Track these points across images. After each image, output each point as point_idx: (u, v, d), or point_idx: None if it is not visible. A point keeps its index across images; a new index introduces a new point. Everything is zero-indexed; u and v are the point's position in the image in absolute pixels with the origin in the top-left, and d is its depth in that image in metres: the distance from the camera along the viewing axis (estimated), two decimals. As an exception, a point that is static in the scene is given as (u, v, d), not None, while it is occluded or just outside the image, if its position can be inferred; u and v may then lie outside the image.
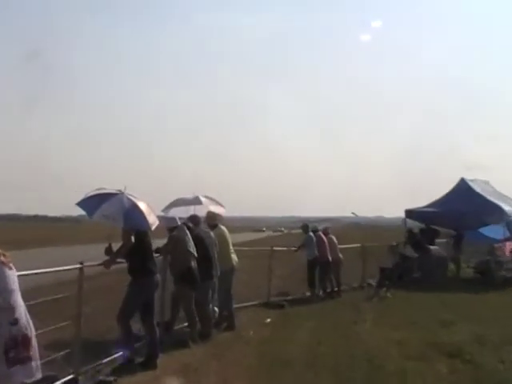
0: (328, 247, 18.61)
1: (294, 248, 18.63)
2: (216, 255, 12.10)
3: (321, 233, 18.89)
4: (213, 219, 12.87)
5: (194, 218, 12.06)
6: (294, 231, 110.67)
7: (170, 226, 11.00)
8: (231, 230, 13.90)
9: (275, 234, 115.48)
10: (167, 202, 13.36)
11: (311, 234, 18.35)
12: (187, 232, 11.00)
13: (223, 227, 13.04)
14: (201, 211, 13.01)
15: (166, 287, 10.90)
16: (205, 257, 11.49)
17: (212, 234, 12.36)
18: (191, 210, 12.91)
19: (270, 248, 17.64)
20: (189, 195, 13.65)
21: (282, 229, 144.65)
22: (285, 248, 19.76)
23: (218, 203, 13.66)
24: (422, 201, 26.18)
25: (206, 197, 13.66)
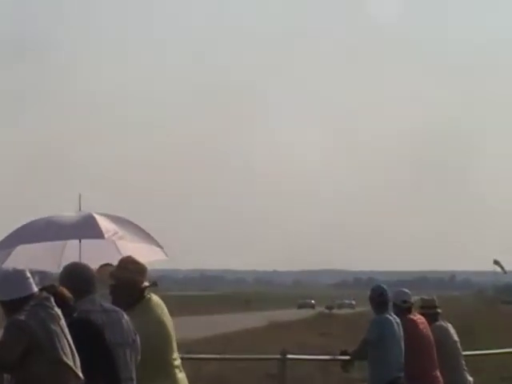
0: (436, 354, 8.60)
1: (338, 356, 9.01)
2: (134, 375, 5.41)
3: (414, 315, 8.78)
4: (133, 280, 5.86)
5: (75, 276, 5.50)
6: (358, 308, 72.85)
7: (10, 299, 5.03)
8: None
9: (342, 311, 72.64)
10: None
11: (391, 315, 8.41)
12: (59, 314, 5.01)
13: (158, 300, 5.97)
14: (98, 256, 6.67)
15: None
16: (107, 380, 5.19)
17: (126, 318, 5.54)
18: (71, 254, 6.71)
19: (278, 356, 8.80)
20: (69, 212, 7.14)
21: (353, 302, 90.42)
22: (326, 356, 10.35)
23: (145, 237, 6.92)
24: None
25: (111, 218, 6.90)
